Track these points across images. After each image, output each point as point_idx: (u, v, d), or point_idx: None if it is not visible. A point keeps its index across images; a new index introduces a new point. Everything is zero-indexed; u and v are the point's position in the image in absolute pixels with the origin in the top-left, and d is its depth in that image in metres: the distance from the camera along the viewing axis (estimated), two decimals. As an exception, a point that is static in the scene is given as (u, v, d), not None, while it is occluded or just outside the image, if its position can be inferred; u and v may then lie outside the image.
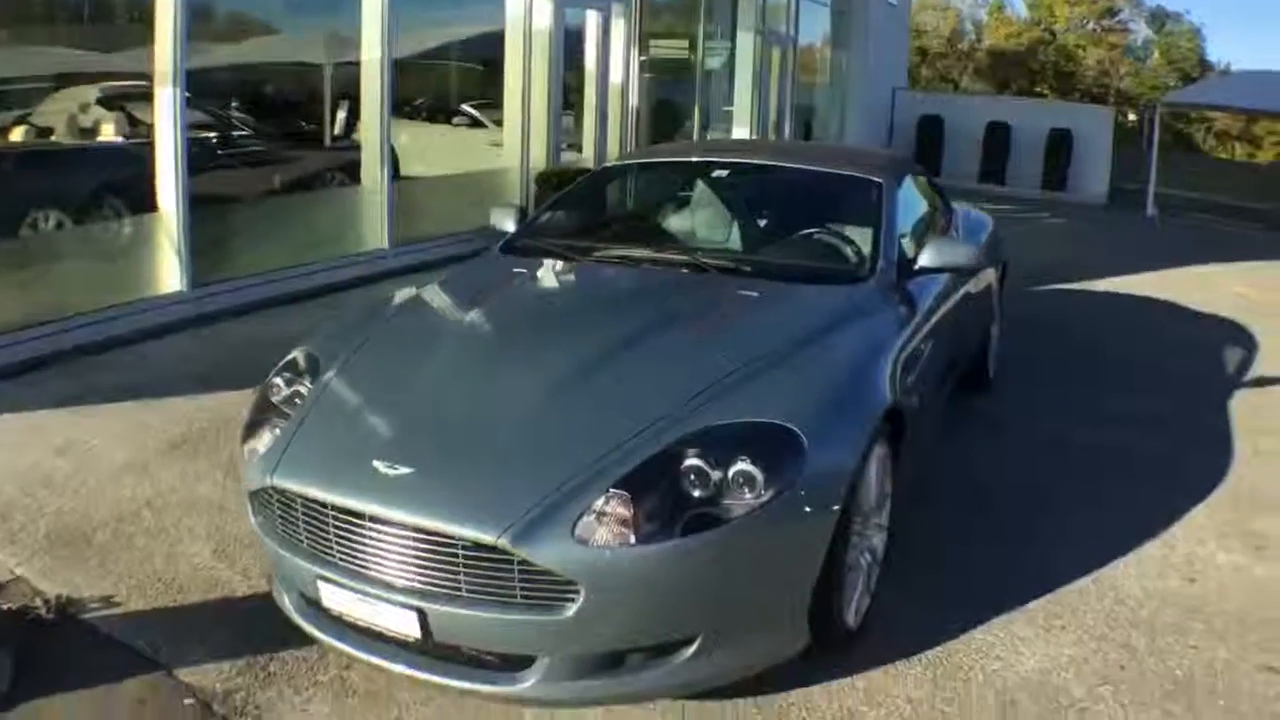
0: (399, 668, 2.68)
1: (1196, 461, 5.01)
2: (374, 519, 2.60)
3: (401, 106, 13.67)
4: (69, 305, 6.09)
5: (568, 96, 11.36)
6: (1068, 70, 32.49)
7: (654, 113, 14.71)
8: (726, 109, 15.27)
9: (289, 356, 3.38)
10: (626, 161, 5.14)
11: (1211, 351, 7.40)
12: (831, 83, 19.05)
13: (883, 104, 20.18)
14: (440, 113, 13.57)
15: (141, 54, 6.70)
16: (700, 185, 4.93)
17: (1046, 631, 3.34)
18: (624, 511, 2.51)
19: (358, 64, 8.62)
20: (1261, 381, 6.56)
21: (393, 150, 8.26)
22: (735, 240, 4.60)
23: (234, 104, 9.85)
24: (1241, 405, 5.98)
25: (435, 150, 12.28)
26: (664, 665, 2.62)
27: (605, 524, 2.51)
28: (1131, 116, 18.65)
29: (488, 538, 2.46)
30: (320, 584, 2.70)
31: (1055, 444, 5.19)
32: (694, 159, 5.24)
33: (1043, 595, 3.57)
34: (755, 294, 3.70)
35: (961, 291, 4.65)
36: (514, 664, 2.60)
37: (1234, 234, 15.28)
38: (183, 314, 6.55)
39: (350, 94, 9.70)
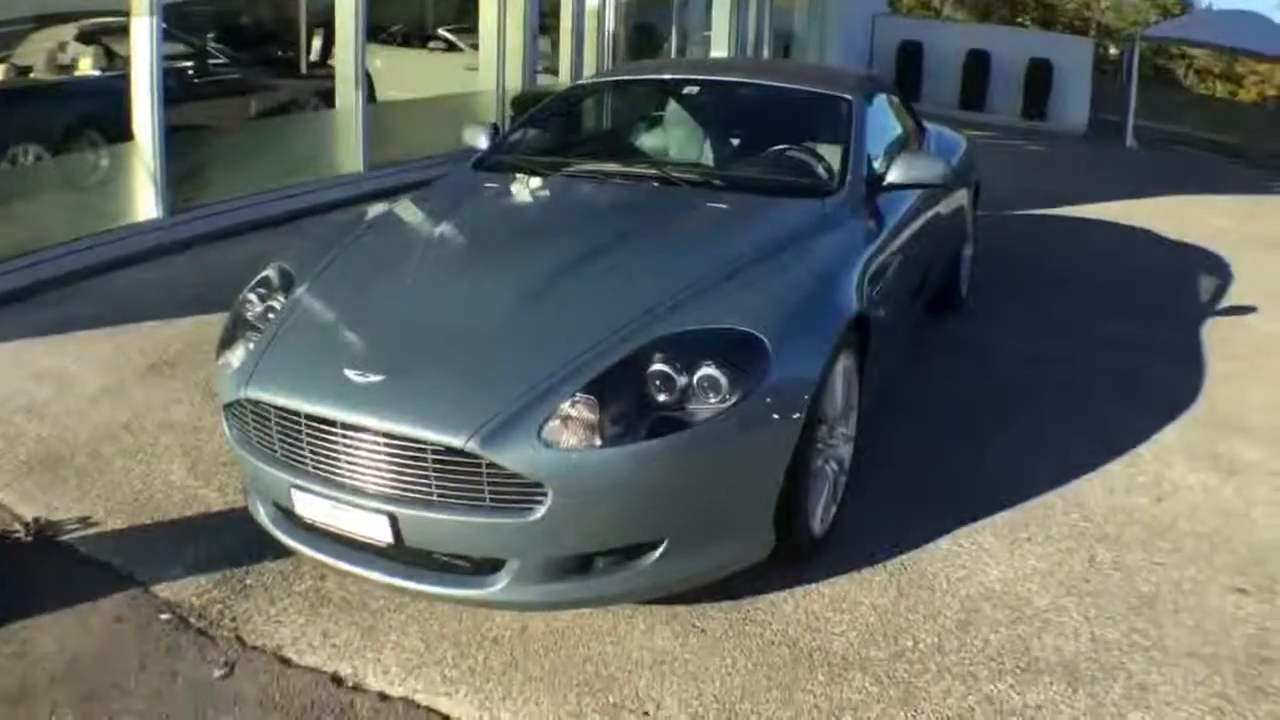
0: (371, 574, 2.73)
1: (1167, 384, 5.07)
2: (346, 426, 2.62)
3: (378, 32, 13.59)
4: (47, 237, 6.07)
5: (544, 20, 11.25)
6: (1050, 2, 32.24)
7: (631, 37, 14.52)
8: (704, 33, 15.13)
9: (263, 273, 3.38)
10: (599, 80, 5.13)
11: (1186, 279, 7.46)
12: (810, 8, 18.81)
13: (862, 29, 19.96)
14: (416, 38, 13.56)
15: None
16: (671, 103, 4.93)
17: (1011, 544, 3.41)
18: (590, 415, 2.56)
19: (332, -11, 8.53)
20: (1233, 310, 6.61)
21: (368, 75, 8.29)
22: (707, 156, 4.61)
23: (210, 34, 9.78)
24: (1213, 332, 6.04)
25: (411, 74, 12.19)
26: (631, 568, 2.67)
27: (571, 427, 2.55)
28: (1113, 50, 18.50)
29: (456, 441, 2.50)
30: (294, 492, 2.74)
31: (1024, 363, 5.25)
32: (666, 76, 5.22)
33: (1008, 508, 3.64)
34: (724, 207, 3.73)
35: (932, 210, 4.68)
36: (484, 568, 2.65)
37: (1213, 167, 15.28)
38: (159, 241, 6.56)
39: (325, 20, 9.62)
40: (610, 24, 12.21)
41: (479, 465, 2.51)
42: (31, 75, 7.88)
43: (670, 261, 3.24)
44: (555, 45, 11.70)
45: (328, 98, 9.14)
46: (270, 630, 2.81)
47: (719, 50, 14.85)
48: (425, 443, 2.54)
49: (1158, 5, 30.73)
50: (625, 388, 2.64)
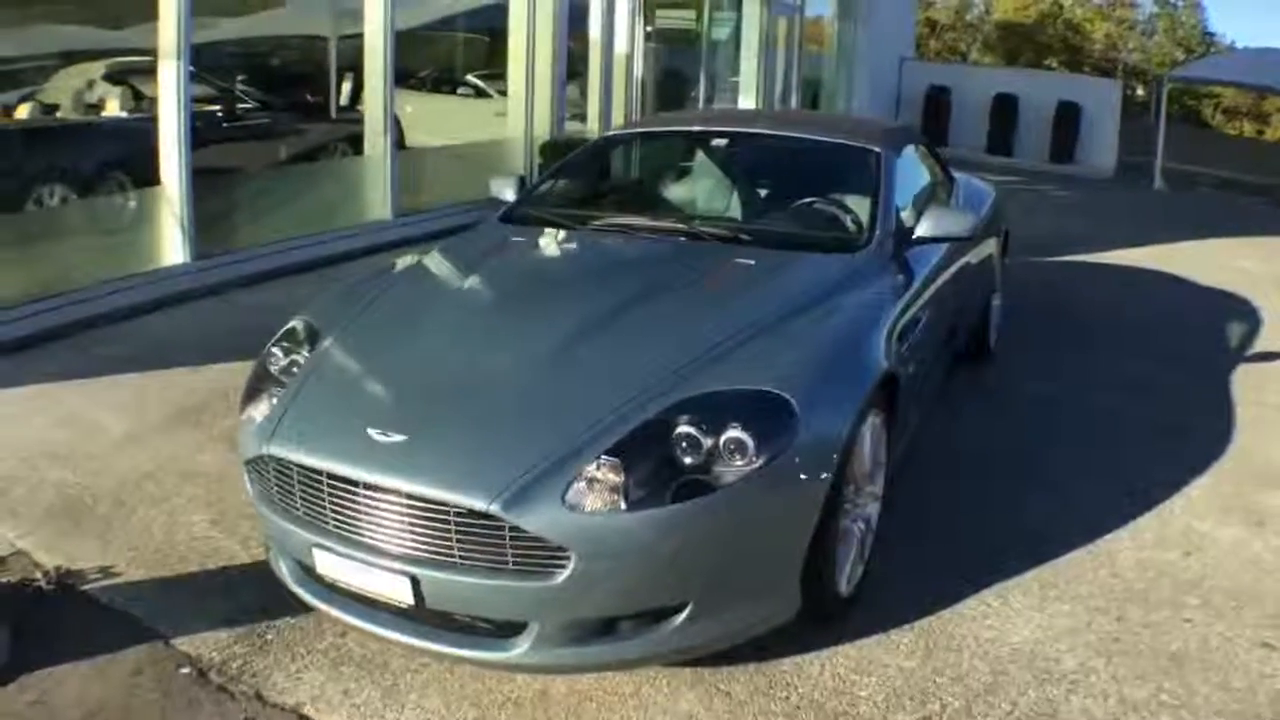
0: (392, 634, 2.70)
1: (1197, 433, 4.99)
2: (368, 486, 2.61)
3: (407, 78, 13.72)
4: (72, 280, 6.12)
5: (573, 67, 11.33)
6: (1076, 44, 32.21)
7: (660, 84, 14.62)
8: (733, 79, 15.20)
9: (287, 326, 3.39)
10: (627, 131, 5.16)
11: (1216, 324, 7.37)
12: (838, 53, 18.90)
13: (890, 74, 20.01)
14: (446, 83, 13.64)
15: (147, 29, 6.70)
16: (700, 155, 4.94)
17: (1041, 602, 3.35)
18: (614, 478, 2.53)
19: (361, 35, 8.63)
20: (1264, 357, 6.52)
21: (397, 120, 8.35)
22: (734, 209, 4.60)
23: (239, 77, 9.90)
24: (1245, 378, 5.96)
25: (439, 120, 12.29)
26: (656, 631, 2.64)
27: (596, 490, 2.52)
28: (1140, 91, 18.47)
29: (479, 504, 2.48)
30: (315, 551, 2.73)
31: (1051, 412, 5.19)
32: (694, 128, 5.23)
33: (1037, 565, 3.58)
34: (751, 262, 3.71)
35: (961, 261, 4.65)
36: (506, 630, 2.62)
37: (1241, 208, 15.16)
38: (186, 286, 6.58)
39: (354, 66, 9.72)
40: (639, 71, 12.30)
41: (502, 528, 2.49)
42: (59, 114, 7.95)
43: (697, 319, 3.22)
44: (584, 92, 11.78)
45: (356, 142, 9.17)
46: (290, 687, 2.79)
47: (747, 96, 14.93)
48: (447, 505, 2.53)
49: (1181, 44, 30.67)
50: (650, 450, 2.61)
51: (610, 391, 2.77)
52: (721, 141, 4.91)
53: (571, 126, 11.01)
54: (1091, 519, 3.96)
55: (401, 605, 2.65)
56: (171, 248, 6.78)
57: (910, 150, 4.91)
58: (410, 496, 2.57)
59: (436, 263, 3.96)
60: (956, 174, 5.98)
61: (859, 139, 4.55)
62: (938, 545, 3.71)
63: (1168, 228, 11.79)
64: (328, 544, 2.69)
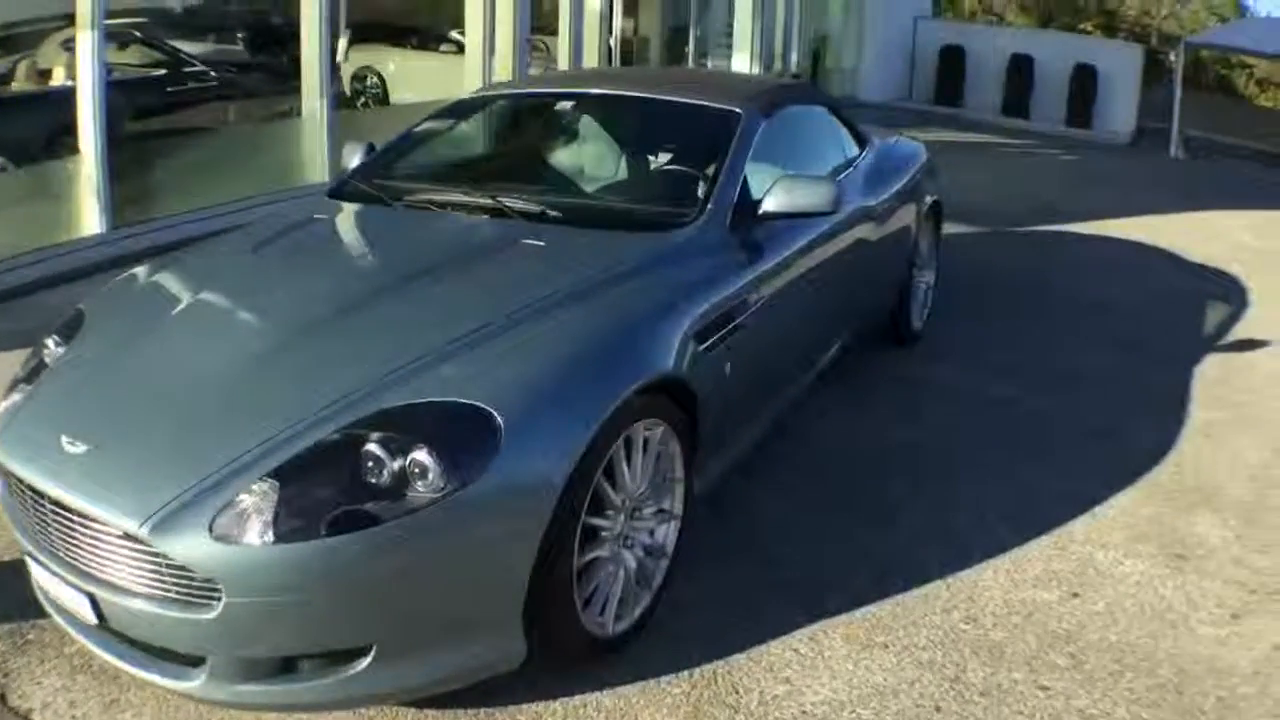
0: (94, 648, 2.46)
1: (1135, 438, 4.38)
2: (51, 497, 2.36)
3: (394, 34, 13.45)
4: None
5: (543, 20, 10.82)
6: (1112, 8, 31.12)
7: (643, 42, 13.99)
8: (726, 37, 14.46)
9: (70, 313, 3.07)
10: (483, 94, 4.57)
11: (1196, 306, 6.70)
12: (847, 10, 18.08)
13: (904, 33, 19.18)
14: (432, 40, 13.35)
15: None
16: (548, 121, 4.47)
17: (861, 650, 2.79)
18: (268, 505, 2.18)
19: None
20: (1239, 345, 5.85)
21: (381, 78, 7.92)
22: (571, 180, 4.09)
23: (164, 38, 9.54)
24: (1209, 371, 5.31)
25: (421, 78, 12.08)
26: (339, 674, 2.28)
27: (247, 518, 2.18)
28: (1173, 57, 17.59)
29: (130, 526, 2.20)
30: (28, 558, 2.55)
31: (971, 409, 4.60)
32: (546, 91, 4.67)
33: (877, 600, 3.02)
34: (541, 244, 3.19)
35: (851, 237, 4.09)
36: (189, 658, 2.31)
37: (1257, 178, 14.23)
38: (100, 257, 6.24)
39: (293, 20, 9.29)
40: (618, 26, 11.65)
41: (157, 554, 2.20)
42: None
43: (441, 313, 2.75)
44: (554, 49, 11.22)
45: (297, 102, 8.73)
46: (30, 691, 2.56)
47: (742, 54, 14.19)
48: (108, 524, 2.25)
49: (1215, 12, 29.49)
50: (319, 473, 2.24)
51: (302, 400, 2.39)
52: (568, 106, 4.39)
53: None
54: (968, 541, 3.40)
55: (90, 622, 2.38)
56: (89, 218, 6.52)
57: (799, 112, 4.33)
58: (78, 512, 2.30)
59: (218, 247, 3.59)
60: (888, 137, 5.39)
61: (719, 99, 3.93)
62: (760, 570, 3.17)
63: (1171, 197, 11.04)
64: (33, 552, 2.49)
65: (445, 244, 3.26)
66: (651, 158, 3.97)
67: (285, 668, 2.28)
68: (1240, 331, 6.14)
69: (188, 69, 9.16)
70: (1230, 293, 7.05)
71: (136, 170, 7.15)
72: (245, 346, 2.65)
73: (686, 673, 2.65)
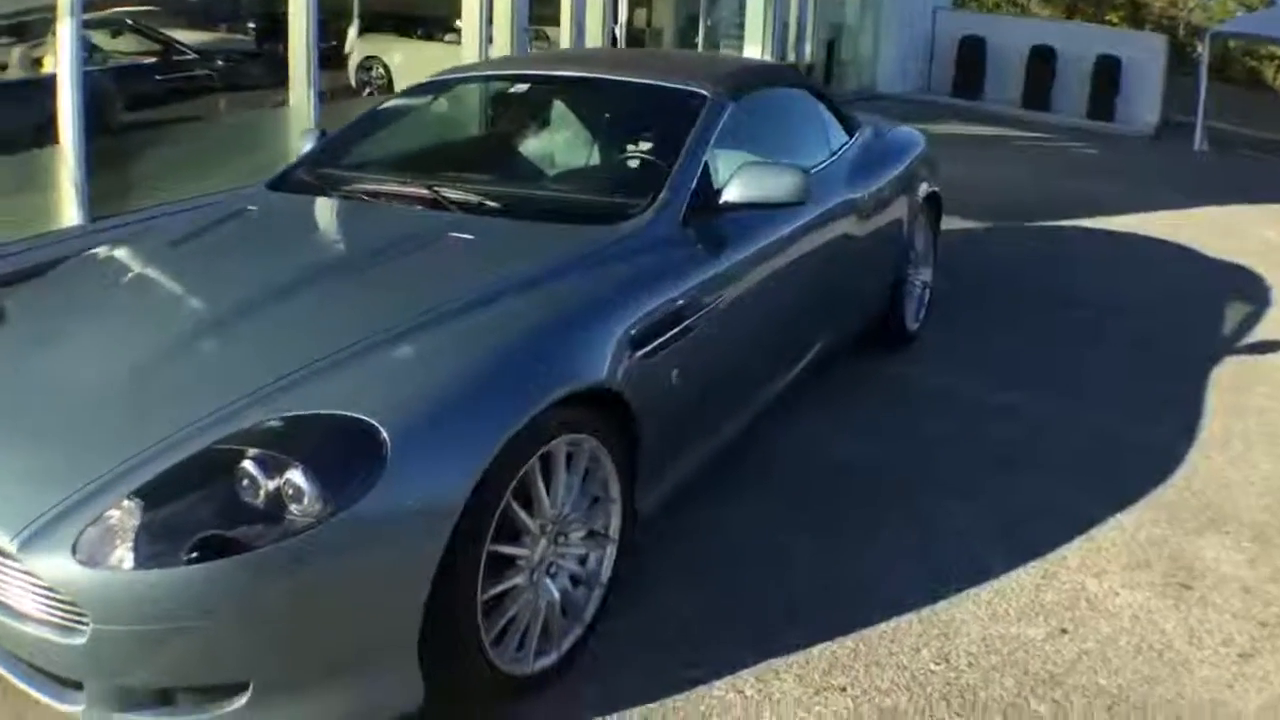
0: None
1: (1141, 450, 4.04)
2: None
3: (401, 25, 13.33)
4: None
5: (544, 8, 10.58)
6: (1139, 0, 30.70)
7: (655, 33, 13.69)
8: (737, 27, 14.11)
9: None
10: (440, 78, 4.29)
11: (1214, 305, 6.32)
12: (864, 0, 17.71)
13: (923, 24, 18.79)
14: (439, 30, 13.13)
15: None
16: (502, 106, 4.28)
17: (815, 693, 2.48)
18: (131, 527, 1.97)
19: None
20: (1258, 348, 5.49)
21: (386, 67, 7.65)
22: (521, 168, 3.85)
23: (149, 26, 9.39)
24: (1224, 375, 4.96)
25: (426, 68, 11.75)
26: (215, 711, 2.06)
27: (111, 540, 1.97)
28: (1199, 48, 17.23)
29: (3, 540, 2.02)
30: None
31: (968, 416, 4.28)
32: (504, 73, 4.39)
33: (840, 635, 2.71)
34: (470, 237, 2.93)
35: (832, 231, 3.81)
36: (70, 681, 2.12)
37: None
38: (79, 249, 6.01)
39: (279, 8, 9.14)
40: (623, 14, 11.35)
41: (28, 572, 2.01)
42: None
43: (341, 316, 2.51)
44: (555, 40, 10.98)
45: (284, 96, 8.57)
46: None
47: (753, 45, 13.84)
48: None
49: (1243, 2, 28.97)
50: (186, 493, 2.02)
51: (185, 409, 2.17)
52: (523, 89, 4.15)
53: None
54: (947, 568, 3.08)
55: None
56: (68, 209, 6.32)
57: (777, 95, 4.05)
58: None
59: (144, 239, 3.45)
60: (886, 125, 5.06)
61: (686, 80, 3.64)
62: (709, 599, 2.86)
63: (1192, 191, 10.61)
64: None
65: (367, 238, 3.02)
66: (608, 144, 3.71)
67: (163, 699, 2.10)
68: (1260, 333, 5.77)
69: (178, 57, 9.08)
70: (1250, 292, 6.68)
71: (117, 161, 6.97)
72: (141, 348, 2.46)
73: (615, 716, 2.36)
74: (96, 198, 6.35)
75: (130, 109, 8.21)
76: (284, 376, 2.19)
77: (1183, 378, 4.91)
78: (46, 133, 6.68)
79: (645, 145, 3.58)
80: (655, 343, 2.64)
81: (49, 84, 7.21)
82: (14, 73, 7.76)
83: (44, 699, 2.13)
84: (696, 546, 3.11)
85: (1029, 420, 4.27)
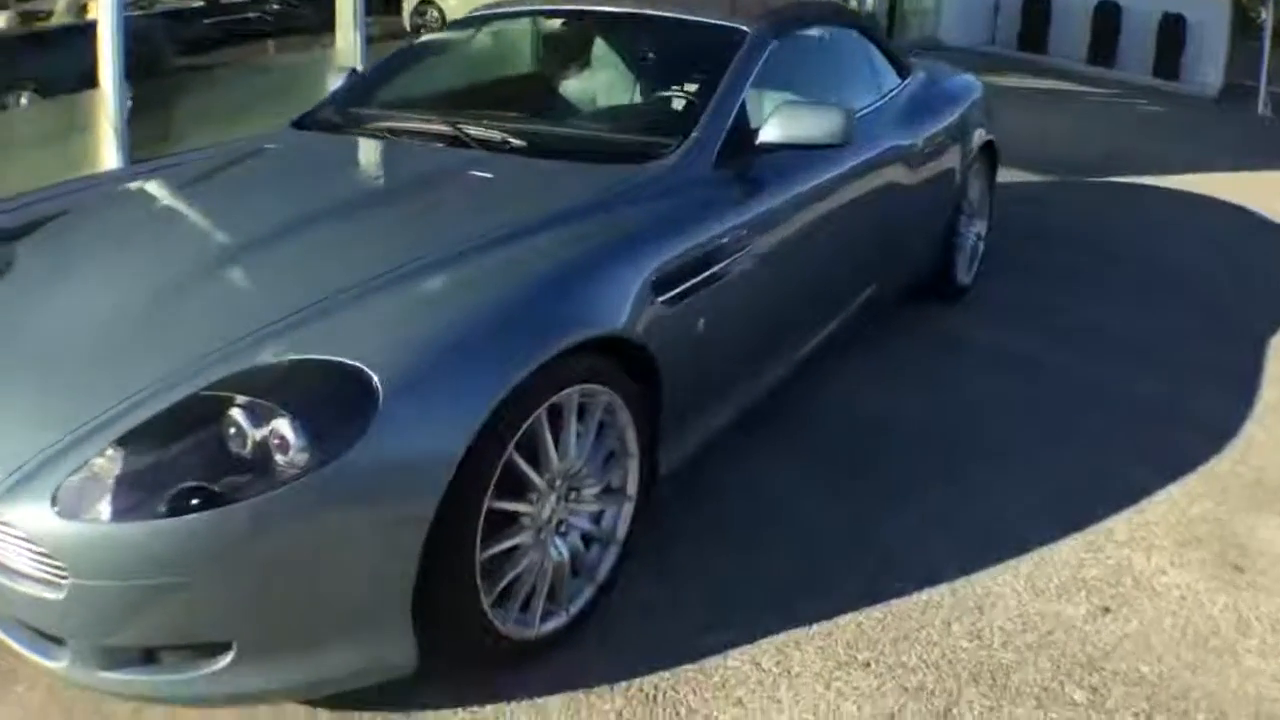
0: None
1: (1196, 418, 3.82)
2: None
3: None
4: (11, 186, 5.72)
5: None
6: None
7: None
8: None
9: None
10: (477, 13, 4.15)
11: (1276, 272, 6.03)
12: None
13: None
14: None
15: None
16: (535, 41, 4.15)
17: (838, 667, 2.35)
18: (111, 477, 1.88)
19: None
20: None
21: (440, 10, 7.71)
22: (552, 105, 3.73)
23: None
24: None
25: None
26: (199, 670, 1.99)
27: (89, 491, 1.89)
28: (1263, 12, 16.62)
29: None
30: None
31: (1017, 374, 4.10)
32: (539, 9, 4.20)
33: (866, 606, 2.57)
34: (488, 175, 2.81)
35: (880, 178, 3.62)
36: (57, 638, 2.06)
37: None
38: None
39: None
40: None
41: (5, 523, 1.94)
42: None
43: (346, 256, 2.40)
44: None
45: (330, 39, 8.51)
46: None
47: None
48: None
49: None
50: (171, 441, 1.93)
51: (173, 352, 2.08)
52: (559, 24, 4.02)
53: None
54: (986, 537, 2.92)
55: None
56: (106, 152, 6.24)
57: (818, 34, 3.85)
58: None
59: (163, 180, 3.25)
60: (939, 67, 4.84)
61: (727, 15, 3.47)
62: (733, 563, 2.73)
63: (1254, 155, 10.18)
64: None
65: (382, 177, 2.96)
66: (643, 81, 3.55)
67: (147, 658, 2.03)
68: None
69: (226, 1, 9.05)
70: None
71: (161, 105, 7.03)
72: (139, 289, 2.37)
73: (624, 684, 2.25)
74: (137, 142, 6.29)
75: (177, 53, 8.21)
76: (281, 319, 2.10)
77: (1242, 344, 4.66)
78: (90, 78, 6.82)
79: (681, 83, 3.43)
80: (679, 289, 2.50)
81: (92, 29, 7.42)
82: (60, 19, 7.85)
83: (28, 654, 2.08)
84: (724, 506, 2.98)
85: (1079, 382, 4.08)
